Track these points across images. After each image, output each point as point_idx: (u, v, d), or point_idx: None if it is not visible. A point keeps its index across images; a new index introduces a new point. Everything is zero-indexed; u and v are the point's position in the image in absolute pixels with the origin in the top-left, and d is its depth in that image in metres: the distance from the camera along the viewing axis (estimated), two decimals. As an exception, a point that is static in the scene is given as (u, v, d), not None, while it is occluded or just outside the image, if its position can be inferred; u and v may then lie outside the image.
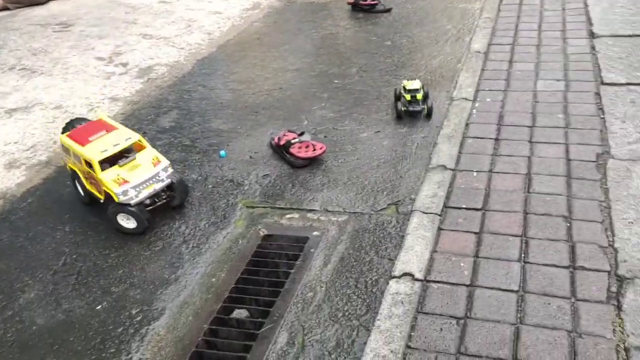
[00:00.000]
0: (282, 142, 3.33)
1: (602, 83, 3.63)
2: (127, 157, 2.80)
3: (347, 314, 2.23)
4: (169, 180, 2.87)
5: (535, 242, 2.43)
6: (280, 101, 4.07)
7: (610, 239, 2.38)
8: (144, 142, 2.92)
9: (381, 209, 2.82)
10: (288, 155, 3.29)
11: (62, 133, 3.04)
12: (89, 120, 3.13)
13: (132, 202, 2.75)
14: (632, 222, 2.45)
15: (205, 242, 2.73)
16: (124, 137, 2.87)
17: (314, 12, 5.93)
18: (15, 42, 4.95)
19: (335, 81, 4.29)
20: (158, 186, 2.83)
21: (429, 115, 3.58)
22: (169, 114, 4.01)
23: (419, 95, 3.60)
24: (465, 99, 3.70)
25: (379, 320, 2.14)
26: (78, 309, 2.41)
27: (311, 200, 2.95)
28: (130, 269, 2.61)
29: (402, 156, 3.23)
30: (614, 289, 2.14)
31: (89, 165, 2.78)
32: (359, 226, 2.72)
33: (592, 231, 2.44)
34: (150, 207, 2.86)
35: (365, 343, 2.06)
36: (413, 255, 2.43)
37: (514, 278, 2.25)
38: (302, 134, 3.39)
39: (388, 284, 2.31)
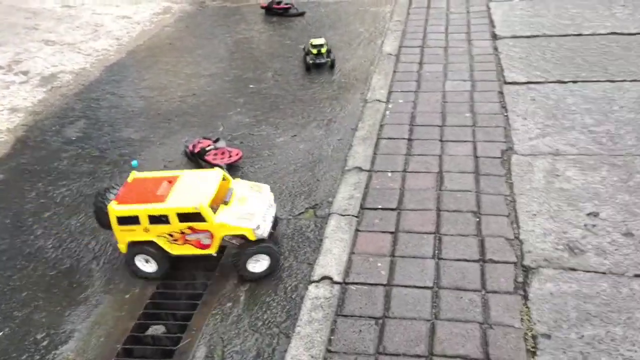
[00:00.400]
0: (197, 150, 3.26)
1: (505, 82, 3.81)
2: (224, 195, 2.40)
3: (267, 322, 2.20)
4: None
5: (448, 238, 2.51)
6: (194, 107, 3.97)
7: (516, 232, 2.50)
8: (227, 175, 2.52)
9: (299, 214, 2.81)
10: (204, 163, 3.21)
11: (99, 209, 2.44)
12: (119, 187, 2.51)
13: (265, 235, 2.36)
14: (535, 214, 2.58)
15: (118, 256, 2.62)
16: (207, 175, 2.46)
17: (226, 17, 5.85)
18: None
19: (251, 86, 4.24)
20: (274, 212, 2.50)
21: (332, 66, 4.34)
22: (75, 124, 3.81)
23: (324, 49, 4.33)
24: (379, 100, 3.77)
25: (299, 326, 2.13)
26: (-23, 338, 2.24)
27: (228, 208, 2.90)
28: (34, 291, 2.45)
29: (318, 159, 3.24)
30: (520, 279, 2.25)
31: (187, 218, 2.30)
32: (277, 232, 2.70)
33: (500, 225, 2.55)
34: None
35: (286, 350, 2.05)
36: (331, 258, 2.44)
37: (429, 275, 2.31)
38: (217, 140, 3.32)
39: (307, 289, 2.31)
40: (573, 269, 2.25)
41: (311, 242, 2.61)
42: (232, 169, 3.20)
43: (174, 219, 2.30)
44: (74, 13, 5.72)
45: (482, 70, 4.04)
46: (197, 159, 3.25)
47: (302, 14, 5.67)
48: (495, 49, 4.36)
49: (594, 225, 2.47)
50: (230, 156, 3.21)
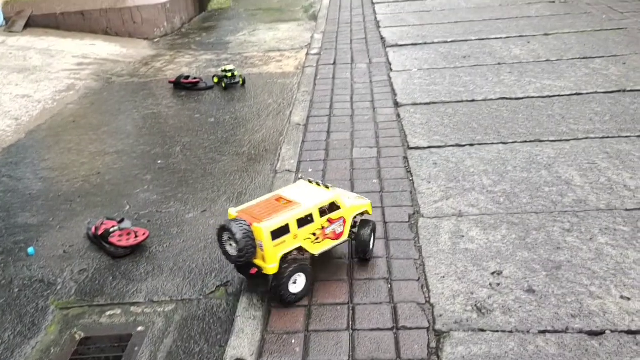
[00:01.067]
0: (100, 232, 3.11)
1: (409, 147, 3.98)
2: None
3: (176, 415, 2.06)
4: None
5: (361, 307, 2.50)
6: (99, 187, 3.83)
7: (427, 295, 2.54)
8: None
9: (210, 293, 2.72)
10: (107, 245, 3.06)
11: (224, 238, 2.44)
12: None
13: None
14: (444, 277, 2.64)
15: (10, 356, 2.39)
16: (297, 184, 2.82)
17: (134, 92, 5.79)
18: None
19: (159, 161, 4.16)
20: None
21: (243, 84, 5.69)
22: (-35, 211, 3.55)
23: (236, 72, 5.65)
24: (289, 170, 3.80)
25: (210, 417, 2.00)
26: None
27: (135, 292, 2.75)
28: None
29: (229, 234, 3.18)
30: (433, 344, 2.26)
31: (325, 212, 2.55)
32: (187, 314, 2.58)
33: (411, 290, 2.58)
34: None
35: None
36: (244, 338, 2.35)
37: (344, 348, 2.27)
38: (122, 220, 3.19)
39: (219, 374, 2.20)
40: (482, 330, 2.29)
41: (223, 322, 2.51)
42: (139, 249, 3.07)
43: (317, 215, 2.50)
44: (-32, 93, 5.45)
45: (387, 137, 4.20)
46: (100, 242, 3.09)
47: (211, 88, 5.72)
48: (398, 115, 4.57)
49: (498, 284, 2.55)
50: (136, 236, 3.08)
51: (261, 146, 4.29)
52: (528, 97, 4.61)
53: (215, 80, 5.80)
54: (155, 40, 8.01)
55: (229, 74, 5.61)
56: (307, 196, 2.60)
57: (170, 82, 5.90)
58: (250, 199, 3.51)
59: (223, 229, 2.47)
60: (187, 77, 5.80)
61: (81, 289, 2.81)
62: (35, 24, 7.91)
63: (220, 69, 5.80)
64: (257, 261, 2.46)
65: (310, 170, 3.80)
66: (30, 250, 3.12)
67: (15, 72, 6.17)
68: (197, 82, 5.74)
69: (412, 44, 6.47)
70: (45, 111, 5.26)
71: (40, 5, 8.02)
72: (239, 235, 2.38)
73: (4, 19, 7.92)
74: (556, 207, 3.09)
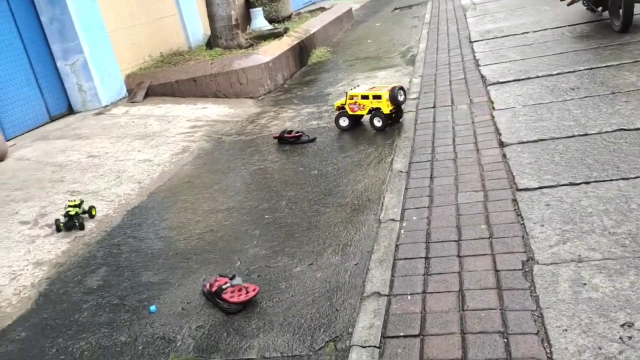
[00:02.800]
0: (213, 289, 3.25)
1: (517, 189, 3.81)
2: None
3: None
4: None
5: (476, 364, 2.37)
6: (212, 244, 4.02)
7: (548, 351, 2.36)
8: None
9: (319, 348, 2.72)
10: (221, 302, 3.19)
11: None
12: None
13: None
14: (566, 330, 2.45)
15: (135, 413, 2.53)
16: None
17: (242, 150, 6.10)
18: None
19: (266, 216, 4.31)
20: None
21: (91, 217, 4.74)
22: (96, 272, 3.87)
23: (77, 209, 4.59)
24: (393, 219, 3.77)
25: None
26: None
27: (247, 348, 2.82)
28: None
29: (336, 287, 3.19)
30: (558, 406, 2.08)
31: None
32: None
33: (529, 344, 2.41)
34: None
35: None
36: (355, 397, 2.32)
37: (459, 408, 2.16)
38: (233, 277, 3.32)
39: None
40: (614, 390, 2.09)
41: (333, 380, 2.49)
42: (250, 305, 3.16)
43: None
44: (99, 162, 6.02)
45: (493, 179, 4.06)
46: (214, 299, 3.22)
47: (313, 140, 5.89)
48: (504, 156, 4.41)
49: (630, 337, 2.32)
50: (247, 292, 3.18)
51: (364, 196, 4.31)
52: (649, 127, 4.27)
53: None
54: (260, 98, 8.44)
55: (73, 211, 4.49)
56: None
57: (274, 138, 6.15)
58: (356, 250, 3.53)
59: (401, 88, 5.69)
60: (290, 132, 6.02)
61: (198, 345, 2.93)
62: (154, 92, 8.64)
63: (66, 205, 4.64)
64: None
65: (414, 217, 3.74)
66: (152, 308, 3.32)
67: (137, 139, 6.75)
68: (300, 136, 5.94)
69: (515, 80, 6.28)
70: (164, 173, 5.68)
71: (157, 76, 8.78)
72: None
73: (127, 90, 8.75)
74: (692, 248, 2.78)
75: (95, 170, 5.80)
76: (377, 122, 5.71)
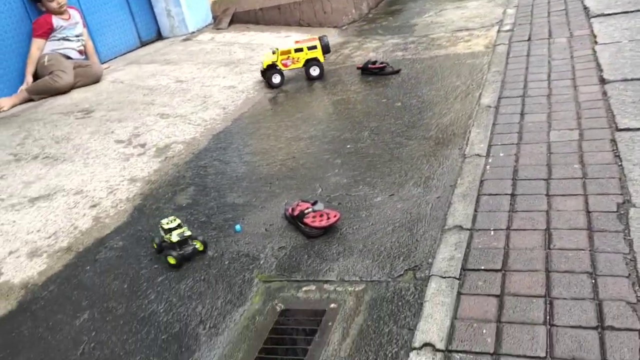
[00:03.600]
0: (295, 213, 3.33)
1: (617, 129, 3.57)
2: None
3: (367, 391, 2.14)
4: None
5: (560, 302, 2.33)
6: (294, 170, 4.10)
7: (639, 295, 2.27)
8: None
9: (398, 276, 2.76)
10: (302, 226, 3.28)
11: None
12: None
13: None
14: (660, 275, 2.34)
15: (222, 321, 2.70)
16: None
17: (324, 79, 6.06)
18: (39, 132, 5.15)
19: (348, 146, 4.32)
20: None
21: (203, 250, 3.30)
22: (185, 191, 4.07)
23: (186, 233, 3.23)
24: (478, 155, 3.67)
25: (400, 397, 2.05)
26: (95, 400, 2.38)
27: (327, 271, 2.91)
28: (147, 354, 2.58)
29: (417, 219, 3.19)
30: (647, 349, 2.02)
31: None
32: (376, 295, 2.65)
33: (619, 287, 2.33)
34: None
35: (387, 423, 1.97)
36: (433, 323, 2.35)
37: (540, 343, 2.15)
38: (315, 203, 3.38)
39: (408, 356, 2.23)
40: None
41: (411, 305, 2.53)
42: (330, 230, 3.23)
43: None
44: (186, 87, 6.20)
45: (590, 118, 3.82)
46: (296, 222, 3.32)
47: (397, 72, 5.74)
48: (604, 93, 4.13)
49: None
50: (328, 218, 3.24)
51: (449, 130, 4.20)
52: None
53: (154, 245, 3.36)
54: (344, 27, 8.27)
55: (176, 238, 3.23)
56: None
57: (357, 68, 6.06)
58: (438, 184, 3.49)
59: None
60: (374, 62, 5.90)
61: (280, 264, 3.05)
62: (238, 20, 8.67)
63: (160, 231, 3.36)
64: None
65: (501, 154, 3.62)
66: (237, 227, 3.46)
67: (222, 65, 6.85)
68: (384, 67, 5.81)
69: (623, 12, 5.76)
70: (248, 100, 5.77)
71: (242, 3, 8.77)
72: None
73: (212, 17, 8.82)
74: None
75: (182, 95, 5.98)
76: (313, 71, 6.09)
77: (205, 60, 7.13)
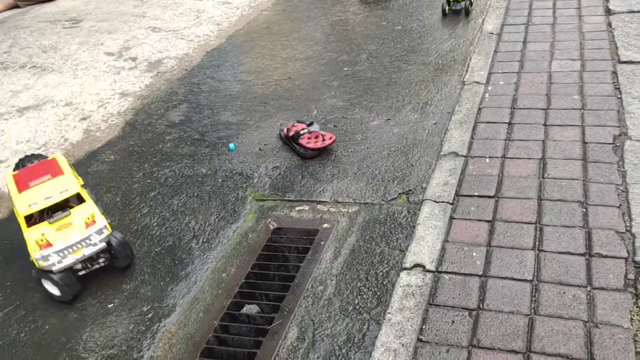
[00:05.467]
0: (291, 133, 3.30)
1: (619, 61, 3.52)
2: (62, 212, 2.45)
3: (357, 307, 2.20)
4: (103, 244, 2.47)
5: (550, 229, 2.37)
6: (290, 91, 4.02)
7: (628, 224, 2.31)
8: (86, 196, 2.54)
9: (392, 199, 2.77)
10: (297, 146, 3.25)
11: (13, 170, 2.73)
12: (43, 158, 2.83)
13: (54, 268, 2.38)
14: (650, 206, 2.38)
15: (215, 237, 2.72)
16: (60, 188, 2.45)
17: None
18: (26, 40, 4.97)
19: (345, 69, 4.23)
20: (88, 251, 2.44)
21: (467, 13, 4.70)
22: (178, 107, 4.00)
23: None
24: (478, 82, 3.62)
25: (389, 313, 2.11)
26: (90, 307, 2.43)
27: (321, 192, 2.92)
28: (140, 266, 2.61)
29: (412, 144, 3.17)
30: (631, 276, 2.08)
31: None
32: (369, 217, 2.68)
33: (609, 216, 2.37)
34: (83, 273, 2.50)
35: (376, 337, 2.04)
36: (424, 245, 2.39)
37: (528, 267, 2.20)
38: (311, 124, 3.34)
39: (399, 276, 2.28)
40: (694, 268, 2.05)
41: (403, 228, 2.56)
42: (325, 152, 3.21)
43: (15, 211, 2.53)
44: (179, 0, 5.96)
45: (593, 49, 3.75)
46: (291, 143, 3.29)
47: (398, -6, 5.53)
48: (609, 25, 4.03)
49: None
50: (323, 140, 3.22)
51: (449, 56, 4.11)
52: None
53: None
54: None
55: None
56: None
57: (358, -12, 5.82)
58: (436, 110, 3.45)
59: None
60: (376, -17, 5.66)
61: (274, 184, 3.05)
62: None
63: None
64: None
65: (501, 82, 3.57)
66: (231, 145, 3.43)
67: (217, -20, 6.57)
68: (385, -12, 5.58)
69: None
70: (243, 17, 5.58)
71: None
72: None
73: None
74: None
75: (175, 9, 5.76)
76: None
77: (198, -27, 6.82)
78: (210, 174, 3.22)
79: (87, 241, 2.43)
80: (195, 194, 3.05)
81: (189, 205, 2.97)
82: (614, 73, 3.41)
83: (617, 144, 2.79)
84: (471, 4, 4.93)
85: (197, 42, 5.06)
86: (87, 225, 2.43)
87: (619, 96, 3.18)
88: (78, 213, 2.45)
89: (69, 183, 2.49)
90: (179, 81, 4.39)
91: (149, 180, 3.23)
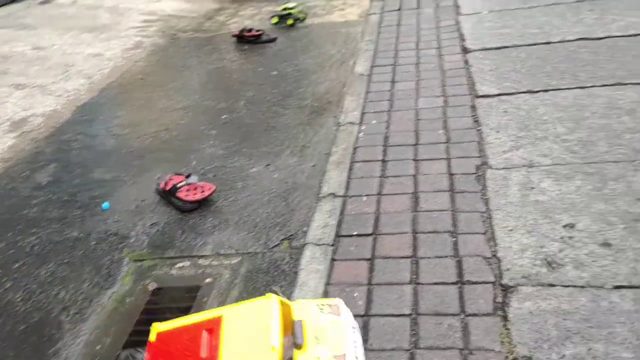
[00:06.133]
0: (168, 187, 3.20)
1: (477, 96, 3.80)
2: None
3: (242, 364, 2.12)
4: None
5: (425, 261, 2.45)
6: (167, 142, 3.93)
7: (494, 249, 2.45)
8: (285, 300, 1.68)
9: (274, 246, 2.76)
10: (176, 200, 3.16)
11: None
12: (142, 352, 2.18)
13: None
14: (512, 230, 2.54)
15: (88, 306, 2.54)
16: (259, 309, 1.59)
17: (199, 47, 5.84)
18: None
19: (223, 116, 4.21)
20: (359, 337, 1.81)
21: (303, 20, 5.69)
22: (46, 168, 3.75)
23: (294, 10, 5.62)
24: (352, 123, 3.74)
25: (275, 366, 2.05)
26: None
27: (202, 246, 2.84)
28: (3, 349, 2.37)
29: (292, 188, 3.19)
30: (499, 299, 2.19)
31: None
32: (252, 267, 2.64)
33: (476, 243, 2.50)
34: None
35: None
36: (307, 291, 2.38)
37: (407, 301, 2.25)
38: (189, 175, 3.27)
39: (283, 325, 2.24)
40: (551, 285, 2.20)
41: (287, 275, 2.55)
42: (206, 203, 3.14)
43: None
44: (45, 55, 5.68)
45: (454, 85, 4.03)
46: (169, 197, 3.19)
47: (273, 40, 5.67)
48: (466, 62, 4.36)
49: (570, 237, 2.42)
50: (203, 191, 3.15)
51: (324, 98, 4.24)
52: (610, 37, 4.25)
53: (275, 20, 5.82)
54: (219, -7, 7.98)
55: (292, 11, 5.64)
56: (243, 347, 1.52)
57: (233, 36, 5.89)
58: (314, 152, 3.51)
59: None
60: (250, 30, 5.77)
61: (153, 241, 2.92)
62: (104, -17, 8.06)
63: (280, 8, 5.90)
64: None
65: (374, 121, 3.71)
66: (105, 204, 3.26)
67: (87, 32, 6.36)
68: (260, 35, 5.70)
69: (483, -16, 6.09)
70: (116, 69, 5.41)
71: (108, -36, 8.15)
72: None
73: (75, -21, 8.12)
74: (638, 156, 2.87)
75: (41, 64, 5.48)
76: None
77: (66, 25, 6.57)
78: (82, 237, 3.02)
79: (352, 326, 1.78)
80: (66, 260, 2.85)
81: (58, 274, 2.76)
82: (473, 107, 3.68)
83: (480, 174, 2.99)
84: (301, 20, 5.32)
85: (67, 97, 4.83)
86: None
87: (479, 128, 3.42)
88: (307, 316, 1.70)
89: None
90: (47, 140, 4.14)
91: (12, 251, 2.97)
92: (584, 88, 3.61)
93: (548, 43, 4.37)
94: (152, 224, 3.06)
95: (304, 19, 5.71)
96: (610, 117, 3.25)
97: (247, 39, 5.73)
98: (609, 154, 2.93)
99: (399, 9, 5.89)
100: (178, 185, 3.17)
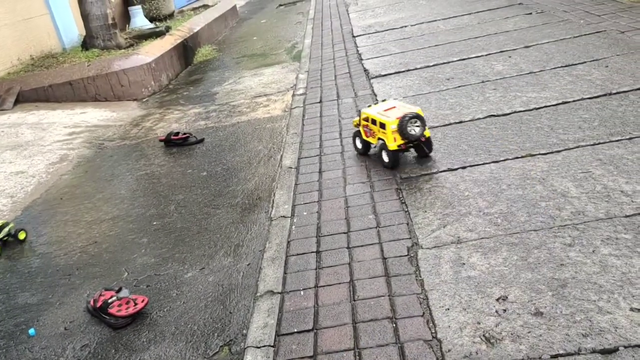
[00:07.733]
0: (98, 304, 3.07)
1: (401, 178, 3.95)
2: None
3: None
4: None
5: (367, 351, 2.43)
6: (96, 257, 3.80)
7: (433, 331, 2.47)
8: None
9: (214, 354, 2.66)
10: (107, 317, 3.02)
11: None
12: None
13: None
14: (448, 309, 2.58)
15: None
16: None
17: (126, 155, 5.82)
18: None
19: (154, 223, 4.15)
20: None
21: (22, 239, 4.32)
22: (-36, 298, 3.52)
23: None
24: (284, 216, 3.77)
25: None
26: None
27: (138, 363, 2.70)
28: None
29: (229, 289, 3.14)
30: (444, 382, 2.18)
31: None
32: None
33: (416, 327, 2.51)
34: None
35: None
36: (251, 399, 2.29)
37: (353, 397, 2.20)
38: (119, 290, 3.16)
39: None
40: (492, 361, 2.23)
41: (229, 384, 2.44)
42: (139, 317, 3.02)
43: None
44: (-37, 177, 5.49)
45: (378, 170, 4.17)
46: (99, 314, 3.05)
47: (201, 141, 5.75)
48: (388, 146, 4.54)
49: (504, 310, 2.48)
50: (135, 304, 3.04)
51: (254, 194, 4.28)
52: (515, 112, 4.60)
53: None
54: (144, 99, 8.10)
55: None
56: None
57: (160, 140, 5.93)
58: (248, 250, 3.49)
59: (418, 116, 3.97)
60: (177, 134, 5.84)
61: (84, 366, 2.75)
62: (25, 99, 8.02)
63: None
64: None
65: (305, 213, 3.77)
66: (31, 331, 3.08)
67: (8, 150, 6.23)
68: (187, 137, 5.78)
69: (396, 72, 6.52)
70: (40, 185, 5.28)
71: (28, 81, 8.16)
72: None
73: (-5, 98, 8.03)
74: (555, 222, 3.03)
75: (-41, 187, 5.27)
76: (385, 157, 4.14)
77: (-14, 145, 6.41)
78: (6, 370, 2.81)
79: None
80: None
81: None
82: (399, 189, 3.81)
83: (412, 255, 3.05)
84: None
85: (-13, 219, 4.62)
86: None
87: (406, 210, 3.53)
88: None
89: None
90: (-35, 267, 3.91)
91: None
92: (498, 162, 3.84)
93: (460, 122, 4.66)
94: (82, 346, 2.90)
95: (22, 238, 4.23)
96: (525, 187, 3.45)
97: (174, 142, 5.78)
98: (529, 223, 3.08)
99: (320, 101, 6.16)
100: (109, 301, 3.05)
